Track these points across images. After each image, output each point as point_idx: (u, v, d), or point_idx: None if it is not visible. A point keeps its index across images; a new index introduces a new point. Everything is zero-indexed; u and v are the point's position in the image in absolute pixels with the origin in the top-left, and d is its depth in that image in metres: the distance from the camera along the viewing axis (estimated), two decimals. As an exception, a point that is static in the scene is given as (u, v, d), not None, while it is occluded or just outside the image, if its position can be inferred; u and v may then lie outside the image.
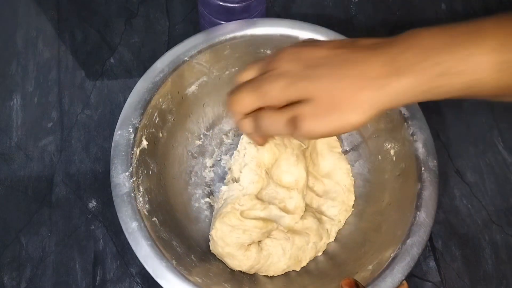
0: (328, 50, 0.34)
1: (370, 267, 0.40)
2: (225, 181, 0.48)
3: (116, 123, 0.52)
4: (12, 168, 0.50)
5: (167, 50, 0.56)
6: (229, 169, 0.48)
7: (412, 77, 0.31)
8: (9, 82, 0.54)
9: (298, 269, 0.44)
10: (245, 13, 0.49)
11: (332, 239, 0.46)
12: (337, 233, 0.46)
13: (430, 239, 0.48)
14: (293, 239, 0.44)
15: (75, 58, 0.56)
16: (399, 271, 0.38)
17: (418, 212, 0.40)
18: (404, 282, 0.37)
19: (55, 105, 0.53)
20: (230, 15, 0.49)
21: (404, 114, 0.44)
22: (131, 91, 0.53)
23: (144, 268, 0.45)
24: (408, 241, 0.39)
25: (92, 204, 0.48)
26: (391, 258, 0.39)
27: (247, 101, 0.35)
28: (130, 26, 0.58)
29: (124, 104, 0.53)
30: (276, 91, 0.34)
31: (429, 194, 0.41)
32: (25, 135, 0.52)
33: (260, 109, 0.35)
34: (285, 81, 0.33)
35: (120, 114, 0.52)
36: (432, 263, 0.47)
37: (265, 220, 0.43)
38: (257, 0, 0.48)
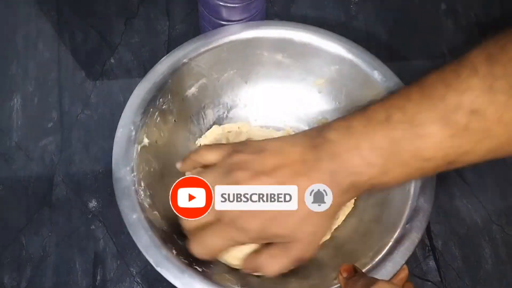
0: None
1: (371, 253, 0.40)
2: None
3: (117, 123, 0.52)
4: (12, 168, 0.50)
5: (167, 50, 0.57)
6: None
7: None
8: (9, 82, 0.54)
9: None
10: (245, 13, 0.49)
11: (327, 237, 0.45)
12: (338, 228, 0.46)
13: (430, 239, 0.48)
14: None
15: (75, 58, 0.56)
16: (398, 255, 0.38)
17: (415, 198, 0.41)
18: (405, 266, 0.37)
19: (55, 105, 0.53)
20: (230, 15, 0.49)
21: None
22: (132, 91, 0.54)
23: (144, 268, 0.46)
24: (407, 226, 0.40)
25: (92, 204, 0.48)
26: (390, 243, 0.39)
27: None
28: (130, 26, 0.58)
29: (124, 104, 0.53)
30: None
31: (426, 180, 0.42)
32: (25, 135, 0.52)
33: None
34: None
35: (120, 114, 0.52)
36: (432, 263, 0.47)
37: None
38: (257, 0, 0.49)
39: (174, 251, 0.39)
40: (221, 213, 0.38)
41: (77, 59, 0.56)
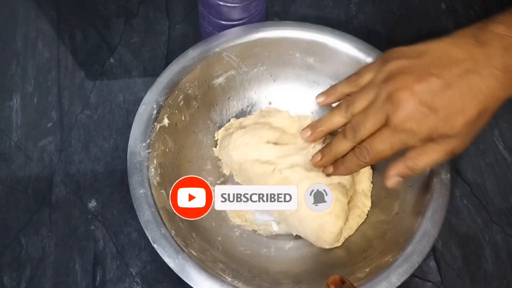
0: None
1: (367, 269, 0.40)
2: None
3: (117, 123, 0.52)
4: (12, 168, 0.50)
5: (167, 50, 0.57)
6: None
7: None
8: (9, 82, 0.54)
9: (336, 242, 0.44)
10: (245, 13, 0.49)
11: (339, 244, 0.45)
12: (348, 237, 0.45)
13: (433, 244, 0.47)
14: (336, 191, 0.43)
15: (75, 58, 0.56)
16: (395, 277, 0.38)
17: (423, 222, 0.40)
18: None
19: (55, 105, 0.53)
20: (230, 15, 0.49)
21: None
22: (132, 91, 0.54)
23: (144, 268, 0.46)
24: (409, 248, 0.39)
25: (92, 204, 0.48)
26: (389, 263, 0.39)
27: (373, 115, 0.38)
28: (130, 26, 0.58)
29: (124, 104, 0.53)
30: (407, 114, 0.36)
31: (437, 205, 0.41)
32: (25, 135, 0.52)
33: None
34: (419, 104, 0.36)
35: (120, 113, 0.52)
36: (432, 263, 0.47)
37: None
38: (257, 0, 0.49)
39: (173, 231, 0.40)
40: (390, 118, 0.37)
41: (77, 59, 0.56)
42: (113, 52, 0.56)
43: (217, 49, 0.47)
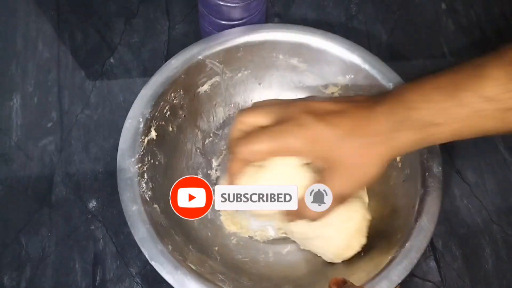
0: (336, 104, 0.39)
1: (367, 269, 0.40)
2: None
3: (116, 123, 0.52)
4: (12, 168, 0.50)
5: (167, 50, 0.57)
6: None
7: (410, 131, 0.36)
8: (9, 82, 0.54)
9: (339, 258, 0.43)
10: (245, 13, 0.49)
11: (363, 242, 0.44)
12: None
13: (431, 239, 0.48)
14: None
15: (75, 58, 0.56)
16: (395, 274, 0.38)
17: (419, 217, 0.40)
18: (398, 286, 0.37)
19: (55, 105, 0.53)
20: (230, 15, 0.49)
21: None
22: (132, 91, 0.54)
23: (144, 269, 0.46)
24: (407, 244, 0.39)
25: (92, 204, 0.48)
26: (388, 261, 0.39)
27: (265, 149, 0.38)
28: (130, 26, 0.58)
29: (124, 104, 0.53)
30: (299, 147, 0.38)
31: (432, 199, 0.41)
32: (25, 135, 0.52)
33: None
34: (307, 138, 0.37)
35: (120, 113, 0.52)
36: (432, 263, 0.47)
37: None
38: (257, 0, 0.48)
39: (170, 247, 0.39)
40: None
41: (77, 59, 0.56)
42: (113, 52, 0.56)
43: (199, 57, 0.47)
